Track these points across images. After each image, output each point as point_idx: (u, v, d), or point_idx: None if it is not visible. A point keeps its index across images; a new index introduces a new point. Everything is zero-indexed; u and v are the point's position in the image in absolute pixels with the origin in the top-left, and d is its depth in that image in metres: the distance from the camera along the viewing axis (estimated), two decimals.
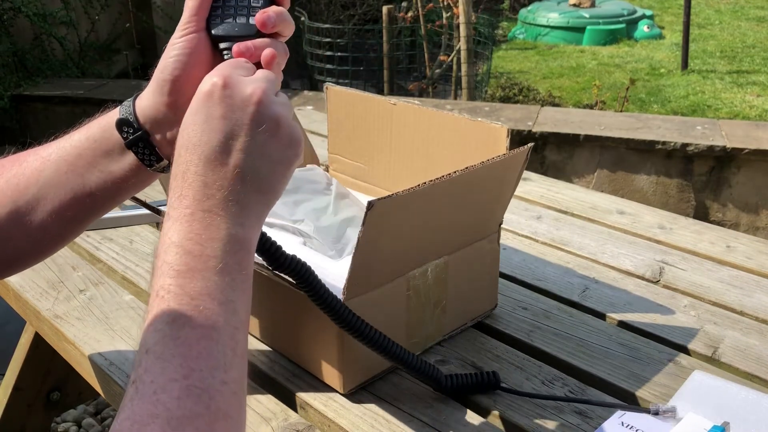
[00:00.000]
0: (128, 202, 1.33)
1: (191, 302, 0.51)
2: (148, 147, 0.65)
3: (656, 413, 0.75)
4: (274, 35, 0.65)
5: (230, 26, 0.65)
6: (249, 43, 0.63)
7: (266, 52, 0.63)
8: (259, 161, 0.57)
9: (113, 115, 0.66)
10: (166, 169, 0.67)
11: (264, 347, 0.90)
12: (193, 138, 0.56)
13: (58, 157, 0.66)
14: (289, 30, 0.66)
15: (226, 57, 0.64)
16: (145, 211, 1.25)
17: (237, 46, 0.63)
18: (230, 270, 0.53)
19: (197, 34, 0.64)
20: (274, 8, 0.65)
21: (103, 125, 0.66)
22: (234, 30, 0.64)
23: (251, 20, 0.64)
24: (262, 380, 0.86)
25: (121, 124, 0.65)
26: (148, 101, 0.66)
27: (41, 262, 1.12)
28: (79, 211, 0.67)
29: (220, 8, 0.66)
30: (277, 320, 0.87)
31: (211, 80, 0.58)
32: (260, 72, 0.61)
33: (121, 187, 0.67)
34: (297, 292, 0.78)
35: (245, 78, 0.59)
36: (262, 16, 0.64)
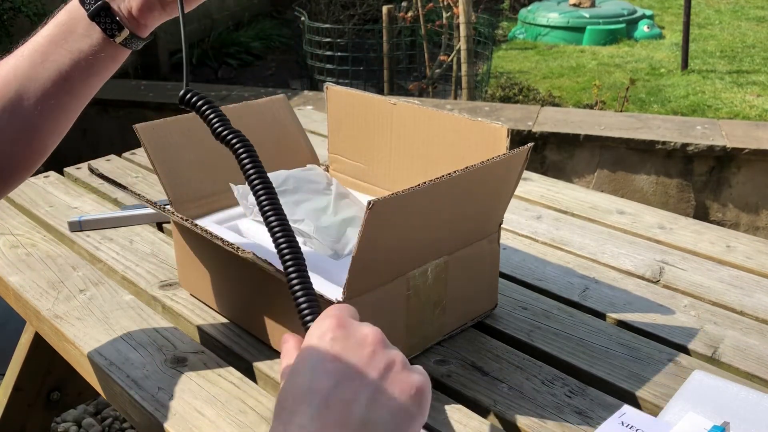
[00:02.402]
0: (128, 202, 1.33)
1: None
2: (109, 16, 0.70)
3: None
4: None
5: None
6: None
7: None
8: (378, 411, 0.48)
9: None
10: (130, 42, 0.72)
11: (265, 347, 0.90)
12: (302, 384, 0.49)
13: (31, 50, 0.70)
14: None
15: None
16: (145, 211, 1.25)
17: None
18: None
19: None
20: None
21: (68, 8, 0.71)
22: None
23: None
24: (263, 380, 0.86)
25: None
26: None
27: (41, 262, 1.12)
28: (60, 97, 0.71)
29: None
30: (278, 320, 0.87)
31: (325, 321, 0.52)
32: (367, 324, 0.53)
33: (93, 65, 0.71)
34: None
35: (358, 321, 0.53)
36: None
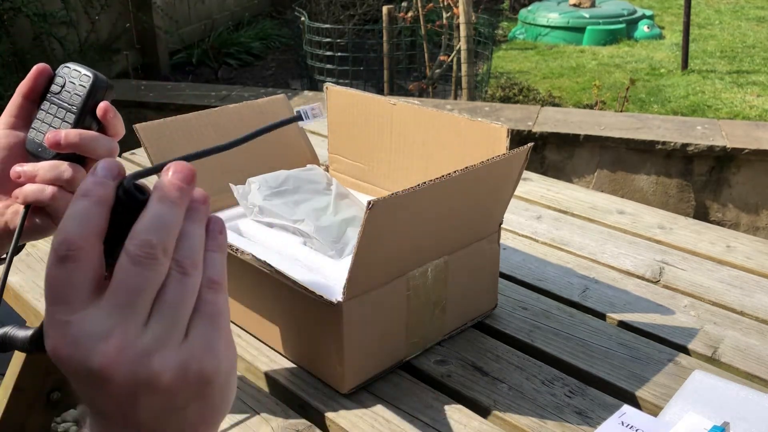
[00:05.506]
0: None
1: None
2: None
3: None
4: (80, 158, 0.61)
5: (37, 144, 0.61)
6: (19, 168, 0.59)
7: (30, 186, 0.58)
8: None
9: None
10: None
11: (265, 348, 0.90)
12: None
13: None
14: (100, 150, 0.60)
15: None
16: None
17: (13, 170, 0.60)
18: None
19: (14, 132, 0.62)
20: (70, 131, 0.59)
21: None
22: (38, 149, 0.61)
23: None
24: (263, 380, 0.86)
25: None
26: None
27: (41, 262, 1.12)
28: None
29: (45, 113, 0.61)
30: (278, 321, 0.87)
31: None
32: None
33: None
34: (299, 292, 0.78)
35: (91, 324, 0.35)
36: (52, 135, 0.59)
